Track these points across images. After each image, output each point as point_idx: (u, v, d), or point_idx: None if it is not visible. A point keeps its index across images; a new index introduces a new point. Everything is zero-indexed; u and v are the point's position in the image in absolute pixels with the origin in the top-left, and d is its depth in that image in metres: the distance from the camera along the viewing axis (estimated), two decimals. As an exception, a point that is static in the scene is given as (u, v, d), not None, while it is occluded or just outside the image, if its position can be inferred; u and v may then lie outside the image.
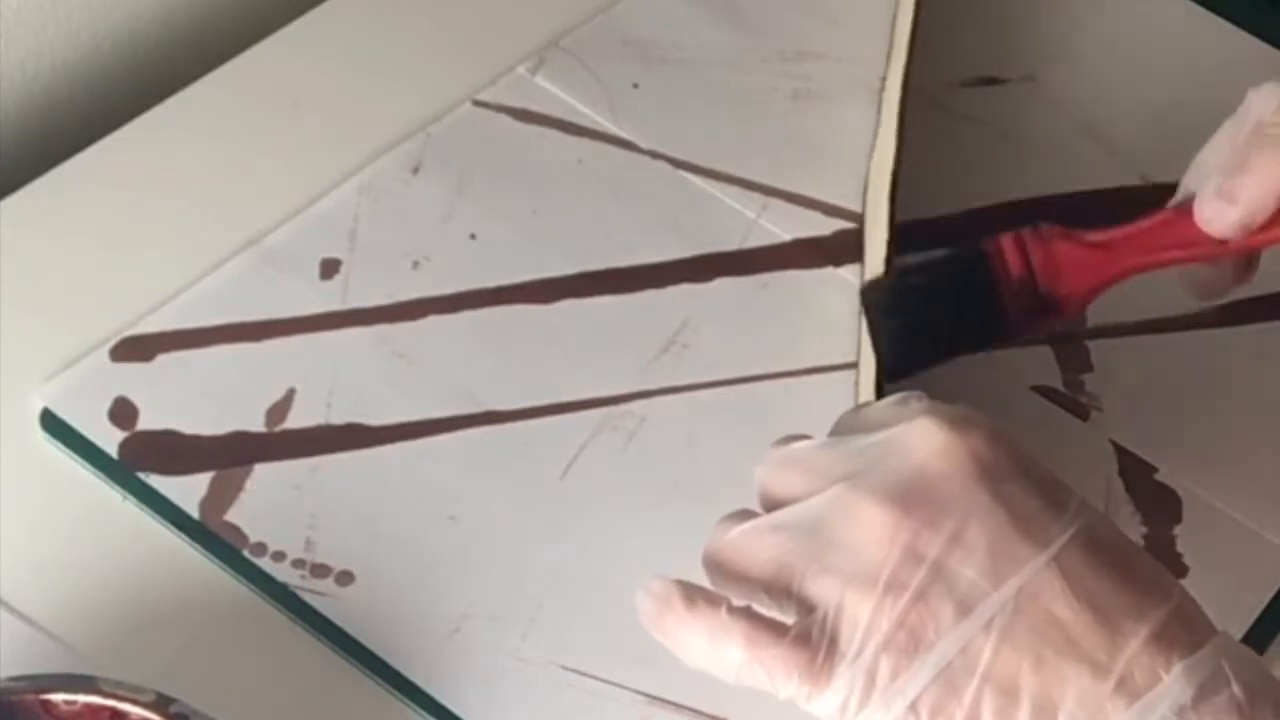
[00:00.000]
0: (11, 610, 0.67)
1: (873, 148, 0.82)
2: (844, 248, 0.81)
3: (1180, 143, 0.86)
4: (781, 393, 0.76)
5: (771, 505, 0.62)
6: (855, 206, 0.82)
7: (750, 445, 0.71)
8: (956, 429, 0.60)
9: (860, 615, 0.58)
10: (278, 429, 0.73)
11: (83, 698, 0.61)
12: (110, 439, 0.71)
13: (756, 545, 0.61)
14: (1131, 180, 0.85)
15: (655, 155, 0.83)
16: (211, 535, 0.70)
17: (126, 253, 0.77)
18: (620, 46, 0.87)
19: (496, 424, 0.74)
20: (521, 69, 0.85)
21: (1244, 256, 0.71)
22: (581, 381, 0.75)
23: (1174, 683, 0.57)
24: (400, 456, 0.73)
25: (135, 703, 0.60)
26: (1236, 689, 0.57)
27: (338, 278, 0.77)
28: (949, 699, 0.57)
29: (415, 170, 0.81)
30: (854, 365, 0.76)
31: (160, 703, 0.61)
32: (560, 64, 0.85)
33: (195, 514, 0.70)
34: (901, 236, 0.77)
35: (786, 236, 0.81)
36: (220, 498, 0.70)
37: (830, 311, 0.79)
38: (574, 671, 0.68)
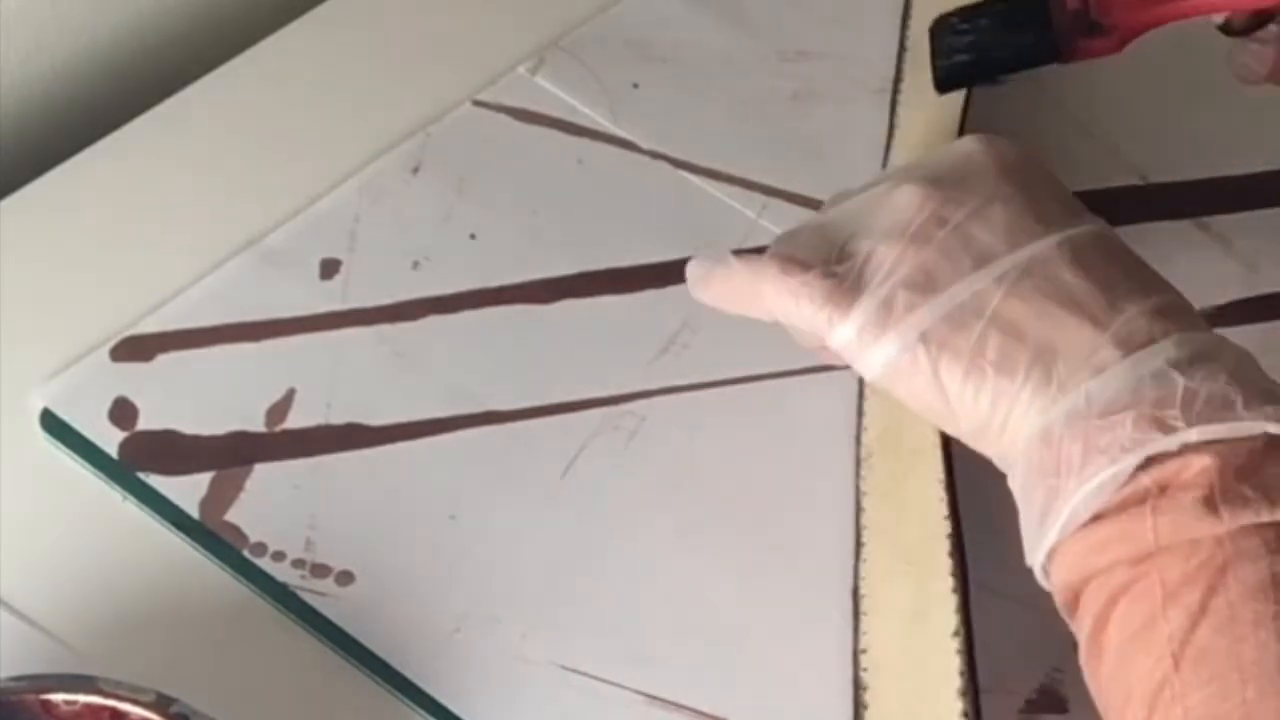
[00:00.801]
0: (11, 610, 0.67)
1: (887, 148, 0.82)
2: (844, 248, 0.81)
3: (1180, 142, 0.86)
4: (781, 393, 0.76)
5: None
6: (855, 206, 0.82)
7: (750, 445, 0.71)
8: (994, 140, 0.68)
9: (886, 259, 0.64)
10: (278, 429, 0.73)
11: (83, 698, 0.61)
12: (110, 439, 0.71)
13: (806, 230, 0.68)
14: (1131, 180, 0.85)
15: (655, 155, 0.83)
16: (211, 535, 0.70)
17: (126, 253, 0.77)
18: (620, 46, 0.86)
19: (496, 424, 0.74)
20: (521, 69, 0.85)
21: None
22: (581, 381, 0.75)
23: (1169, 344, 0.61)
24: (400, 456, 0.73)
25: (135, 703, 0.61)
26: (1230, 362, 0.61)
27: (338, 278, 0.77)
28: (957, 334, 0.63)
29: (415, 170, 0.81)
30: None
31: (160, 703, 0.61)
32: (560, 64, 0.85)
33: (195, 514, 0.70)
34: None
35: (786, 236, 0.81)
36: (220, 498, 0.70)
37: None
38: (574, 671, 0.68)
